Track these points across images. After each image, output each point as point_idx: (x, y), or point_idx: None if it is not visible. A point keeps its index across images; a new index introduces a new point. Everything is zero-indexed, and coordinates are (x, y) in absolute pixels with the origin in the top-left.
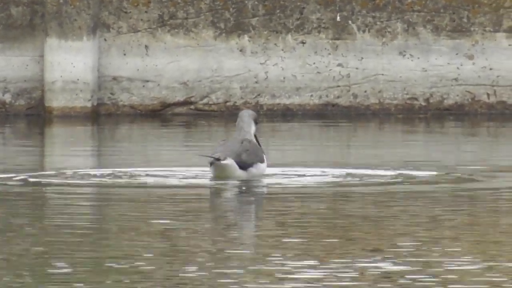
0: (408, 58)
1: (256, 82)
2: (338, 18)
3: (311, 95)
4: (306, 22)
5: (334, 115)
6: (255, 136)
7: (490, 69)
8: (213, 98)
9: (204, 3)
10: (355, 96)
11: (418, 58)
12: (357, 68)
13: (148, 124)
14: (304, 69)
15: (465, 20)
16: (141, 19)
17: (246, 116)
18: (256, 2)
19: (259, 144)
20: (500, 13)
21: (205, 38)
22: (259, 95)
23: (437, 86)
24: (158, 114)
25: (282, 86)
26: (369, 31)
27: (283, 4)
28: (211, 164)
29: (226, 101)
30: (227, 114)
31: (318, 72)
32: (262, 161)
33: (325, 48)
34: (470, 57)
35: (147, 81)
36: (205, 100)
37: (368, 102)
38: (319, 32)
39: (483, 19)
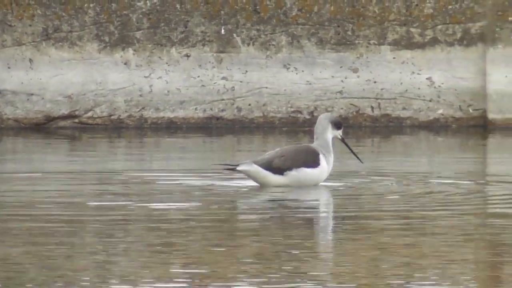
0: (292, 71)
1: (141, 96)
2: (222, 31)
3: (196, 108)
4: (191, 35)
5: (219, 128)
6: (342, 139)
7: (375, 82)
8: (97, 112)
9: (88, 16)
10: (239, 109)
11: (303, 71)
12: (241, 81)
13: (32, 138)
14: (188, 82)
15: (349, 33)
16: (26, 32)
17: (322, 119)
18: (140, 16)
19: (348, 147)
20: (384, 26)
21: (89, 51)
22: (143, 108)
23: (322, 99)
24: (43, 128)
25: (166, 99)
26: (253, 44)
27: (167, 17)
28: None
29: (111, 115)
30: (111, 128)
31: (203, 85)
32: (310, 166)
33: (210, 61)
34: (355, 70)
35: (32, 94)
36: (89, 114)
37: (252, 116)
38: (203, 45)
39: (368, 32)
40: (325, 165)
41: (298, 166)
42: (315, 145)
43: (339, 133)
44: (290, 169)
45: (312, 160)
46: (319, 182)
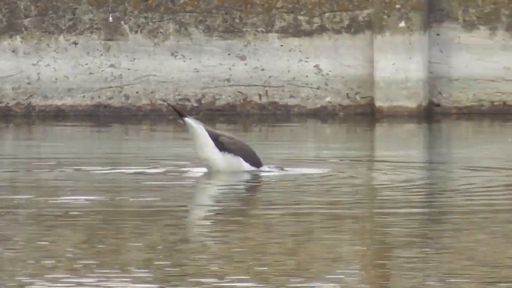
0: (180, 58)
1: (29, 83)
2: (110, 19)
3: (83, 96)
4: (79, 22)
5: (106, 116)
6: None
7: (262, 69)
8: None
9: None
10: (127, 97)
11: (190, 59)
12: (129, 69)
13: None
14: (76, 70)
15: (237, 20)
16: None
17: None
18: (28, 3)
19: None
20: (272, 13)
21: None
22: (31, 96)
23: (209, 87)
24: None
25: (54, 87)
26: (141, 32)
27: (55, 5)
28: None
29: None
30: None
31: (91, 73)
32: (245, 160)
33: (98, 49)
34: (242, 58)
35: None
36: None
37: (140, 103)
38: (91, 32)
39: (256, 19)
40: (265, 169)
41: (239, 155)
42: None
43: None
44: (230, 151)
45: (256, 163)
46: (237, 171)
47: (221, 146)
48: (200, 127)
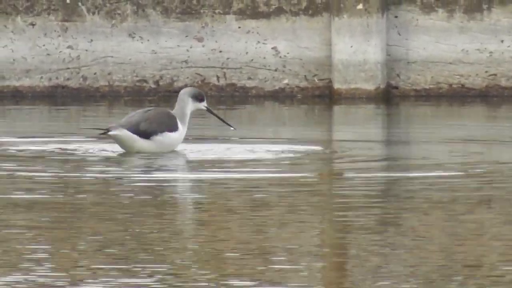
0: (137, 40)
1: None
2: (67, 0)
3: (41, 77)
4: (36, 3)
5: (64, 97)
6: (208, 109)
7: (220, 51)
8: None
9: None
10: (84, 78)
11: (148, 40)
12: (86, 50)
13: None
14: (34, 51)
15: (194, 2)
16: None
17: (182, 94)
18: None
19: (218, 117)
20: None
21: None
22: None
23: (167, 69)
24: None
25: (11, 68)
26: (98, 13)
27: None
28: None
29: None
30: None
31: (48, 54)
32: (172, 130)
33: (55, 30)
34: (200, 40)
35: None
36: None
37: (98, 85)
38: (48, 14)
39: (213, 1)
40: (182, 129)
41: (163, 130)
42: (172, 111)
43: (203, 104)
44: (155, 133)
45: (173, 124)
46: (176, 147)
47: (145, 134)
48: (122, 131)
